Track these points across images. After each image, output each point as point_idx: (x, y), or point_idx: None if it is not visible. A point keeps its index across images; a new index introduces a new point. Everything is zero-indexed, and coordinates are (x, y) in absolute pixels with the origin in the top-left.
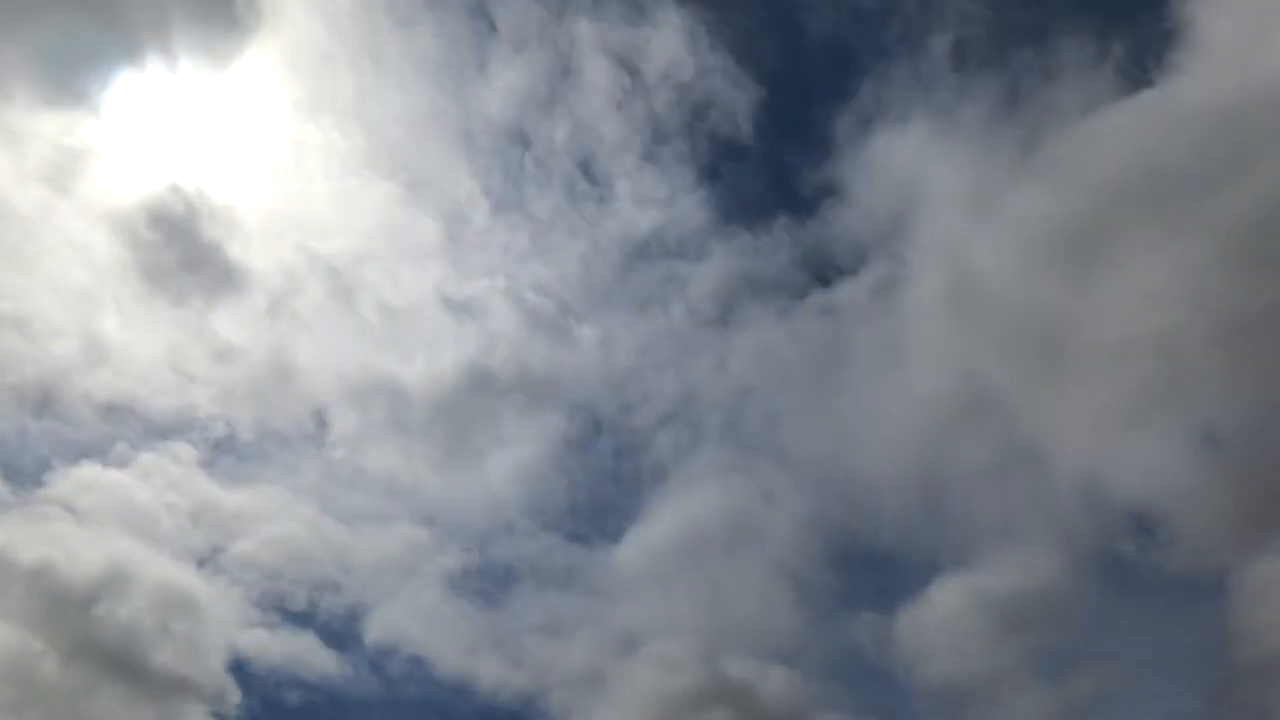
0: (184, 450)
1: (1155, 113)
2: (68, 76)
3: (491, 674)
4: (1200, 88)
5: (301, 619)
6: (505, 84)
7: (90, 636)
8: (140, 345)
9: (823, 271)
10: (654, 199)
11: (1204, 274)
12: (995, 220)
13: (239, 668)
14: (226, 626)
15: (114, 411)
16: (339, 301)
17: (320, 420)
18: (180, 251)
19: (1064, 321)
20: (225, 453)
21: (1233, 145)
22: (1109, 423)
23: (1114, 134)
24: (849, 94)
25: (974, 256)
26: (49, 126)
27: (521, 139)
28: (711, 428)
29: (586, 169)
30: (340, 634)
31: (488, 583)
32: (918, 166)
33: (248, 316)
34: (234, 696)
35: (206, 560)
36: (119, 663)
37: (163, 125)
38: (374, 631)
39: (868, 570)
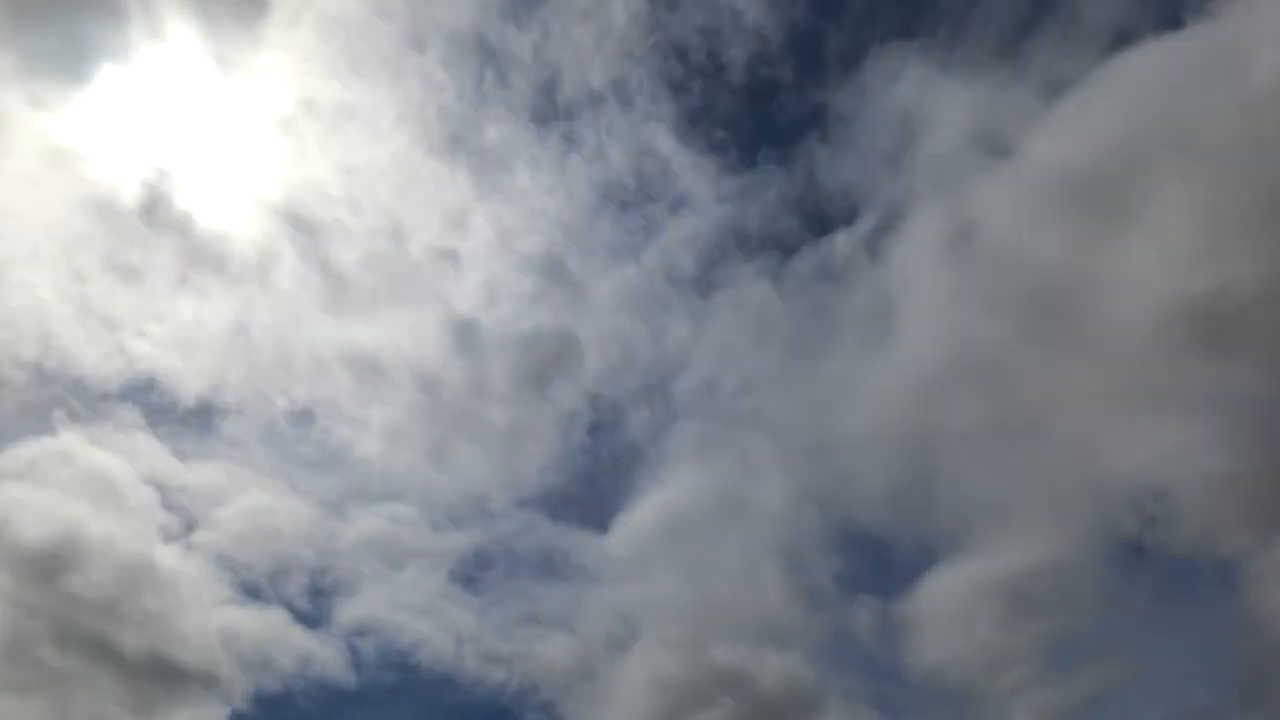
0: (139, 419)
1: (1189, 54)
2: (58, 53)
3: (480, 661)
4: (1240, 30)
5: (274, 600)
6: None
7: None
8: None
9: (812, 221)
10: (629, 136)
11: (1233, 237)
12: (1005, 166)
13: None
14: (201, 605)
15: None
16: (313, 269)
17: (295, 396)
18: (152, 224)
19: (1078, 284)
20: (189, 427)
21: (1269, 97)
22: (1124, 395)
23: (1144, 75)
24: (841, 12)
25: (980, 207)
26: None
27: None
28: (695, 399)
29: (552, 94)
30: (317, 618)
31: (475, 567)
32: (918, 101)
33: (221, 288)
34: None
35: (175, 537)
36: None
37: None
38: (354, 615)
39: (867, 553)
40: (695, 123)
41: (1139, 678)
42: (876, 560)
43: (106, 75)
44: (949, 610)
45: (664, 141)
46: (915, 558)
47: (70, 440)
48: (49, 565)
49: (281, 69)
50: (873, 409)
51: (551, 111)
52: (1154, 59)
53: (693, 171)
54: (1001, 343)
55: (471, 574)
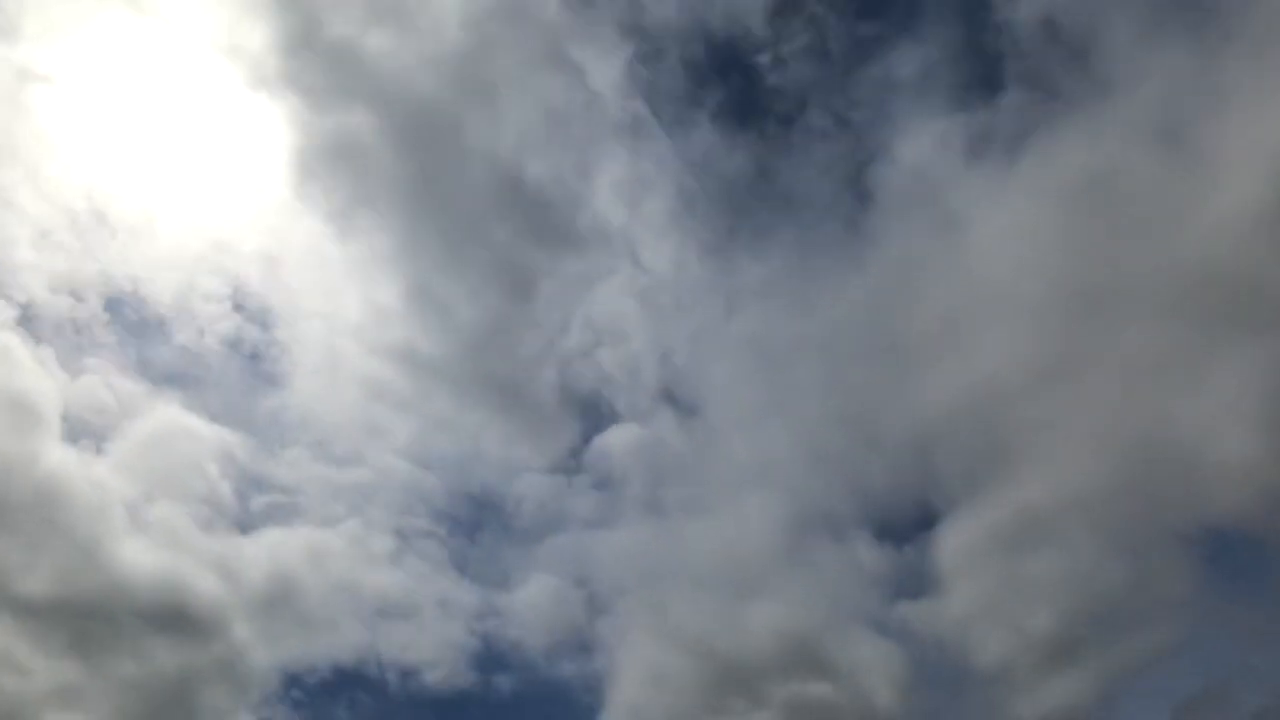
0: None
1: None
2: None
3: (448, 614)
4: None
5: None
6: None
7: None
8: None
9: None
10: None
11: None
12: None
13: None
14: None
15: None
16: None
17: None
18: None
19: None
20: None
21: None
22: (1187, 326)
23: None
24: None
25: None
26: None
27: None
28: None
29: None
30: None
31: (429, 509)
32: None
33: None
34: None
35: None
36: None
37: None
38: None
39: (874, 500)
40: None
41: (1172, 651)
42: (884, 508)
43: None
44: (956, 565)
45: None
46: (929, 507)
47: None
48: None
49: None
50: (868, 319)
51: None
52: None
53: None
54: (1029, 272)
55: (427, 516)
